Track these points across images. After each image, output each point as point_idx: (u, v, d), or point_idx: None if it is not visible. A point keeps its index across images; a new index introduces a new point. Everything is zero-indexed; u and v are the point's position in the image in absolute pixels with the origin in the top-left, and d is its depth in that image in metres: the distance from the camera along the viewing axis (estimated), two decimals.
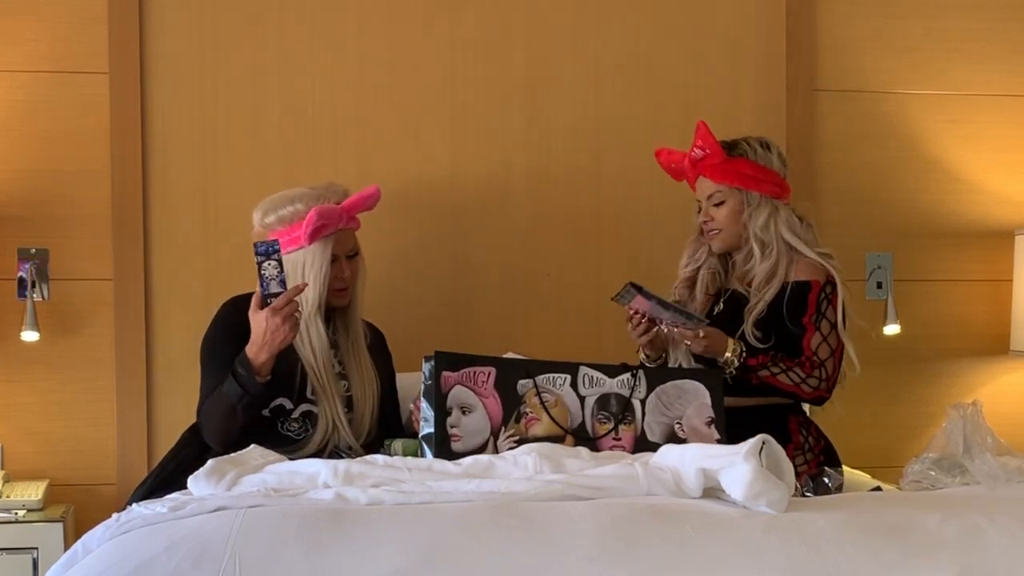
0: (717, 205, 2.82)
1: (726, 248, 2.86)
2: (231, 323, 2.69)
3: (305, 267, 2.68)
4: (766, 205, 2.79)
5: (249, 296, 2.58)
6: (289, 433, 2.65)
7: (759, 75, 3.46)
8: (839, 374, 2.78)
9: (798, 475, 2.61)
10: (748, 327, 2.72)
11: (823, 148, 3.50)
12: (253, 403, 2.54)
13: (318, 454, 2.60)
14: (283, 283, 2.48)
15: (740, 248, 2.85)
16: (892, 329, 3.48)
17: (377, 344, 2.89)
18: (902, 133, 3.54)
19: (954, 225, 3.56)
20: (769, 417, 2.70)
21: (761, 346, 2.71)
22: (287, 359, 2.65)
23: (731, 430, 2.51)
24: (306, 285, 2.58)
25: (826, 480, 2.45)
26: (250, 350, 2.53)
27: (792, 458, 2.64)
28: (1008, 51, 3.58)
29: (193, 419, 2.72)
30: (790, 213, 2.82)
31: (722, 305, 2.85)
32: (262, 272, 2.47)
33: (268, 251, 2.47)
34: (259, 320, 2.50)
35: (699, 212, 2.88)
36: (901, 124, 3.53)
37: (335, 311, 2.79)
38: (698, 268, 2.89)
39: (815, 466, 2.70)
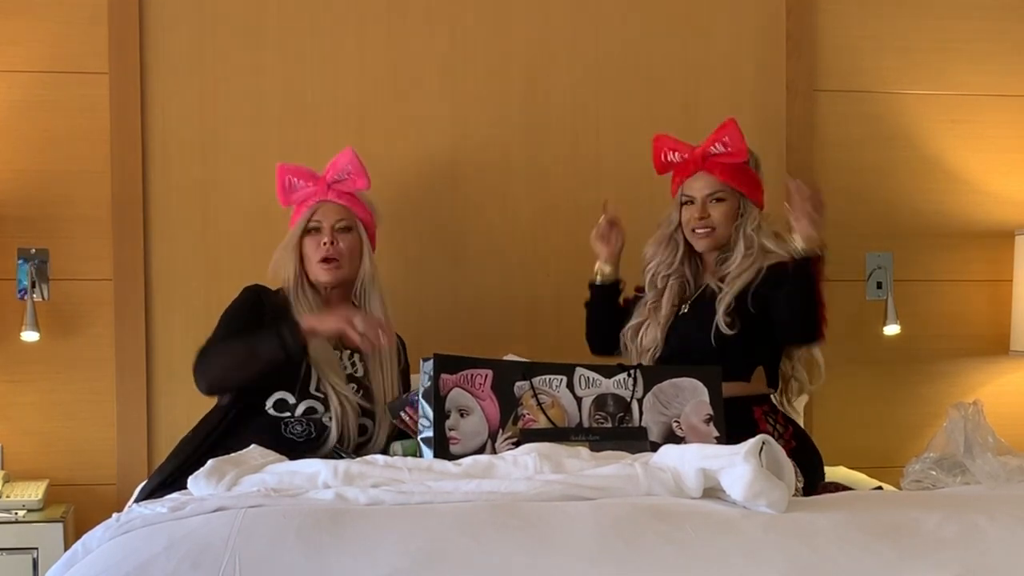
0: (716, 201, 2.85)
1: (711, 248, 2.88)
2: (255, 304, 2.75)
3: (286, 239, 2.79)
4: (757, 214, 2.87)
5: (274, 291, 2.77)
6: (292, 436, 2.63)
7: (759, 75, 3.46)
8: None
9: None
10: (720, 315, 2.74)
11: (823, 148, 3.50)
12: (274, 359, 2.57)
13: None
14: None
15: (718, 249, 2.89)
16: (892, 329, 3.48)
17: (398, 354, 2.87)
18: (902, 133, 3.53)
19: (954, 225, 3.56)
20: (733, 409, 2.67)
21: (729, 332, 2.73)
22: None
23: None
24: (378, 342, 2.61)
25: None
26: (307, 318, 2.63)
27: None
28: (1008, 51, 3.57)
29: (193, 420, 2.72)
30: (768, 225, 2.88)
31: (687, 308, 2.88)
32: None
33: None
34: (338, 311, 2.64)
35: (681, 208, 2.90)
36: (901, 124, 3.53)
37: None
38: (669, 276, 2.90)
39: (789, 452, 2.70)
